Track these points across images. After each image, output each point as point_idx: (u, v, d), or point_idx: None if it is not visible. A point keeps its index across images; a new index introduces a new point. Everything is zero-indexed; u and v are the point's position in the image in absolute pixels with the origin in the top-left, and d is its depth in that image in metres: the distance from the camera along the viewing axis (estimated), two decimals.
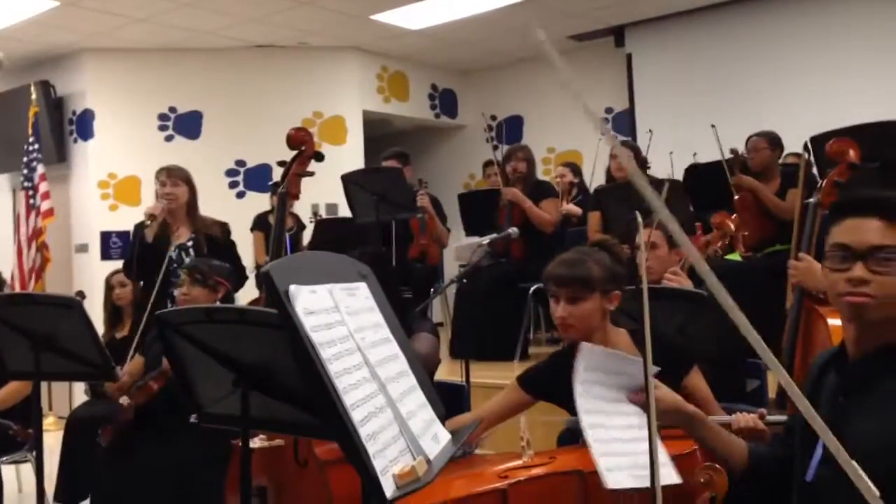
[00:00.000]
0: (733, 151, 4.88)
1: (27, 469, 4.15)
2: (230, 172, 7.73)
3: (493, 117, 8.91)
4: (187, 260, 4.04)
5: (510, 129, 8.81)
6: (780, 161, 5.05)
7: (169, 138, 7.64)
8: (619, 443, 1.57)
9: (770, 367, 0.86)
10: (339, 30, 7.36)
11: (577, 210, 5.95)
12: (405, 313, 2.87)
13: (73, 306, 2.70)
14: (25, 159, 6.98)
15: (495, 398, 2.45)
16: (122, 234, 7.11)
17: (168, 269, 4.03)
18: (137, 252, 4.09)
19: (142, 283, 4.26)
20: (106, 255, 7.25)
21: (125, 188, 7.41)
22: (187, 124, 7.68)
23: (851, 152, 2.90)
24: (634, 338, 2.33)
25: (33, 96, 7.12)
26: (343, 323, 1.37)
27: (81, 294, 4.25)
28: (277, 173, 3.53)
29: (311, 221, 5.81)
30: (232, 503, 2.66)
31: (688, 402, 1.79)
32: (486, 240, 4.35)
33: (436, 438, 1.42)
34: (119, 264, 4.56)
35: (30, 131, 6.98)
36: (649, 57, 7.74)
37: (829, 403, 1.53)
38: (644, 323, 1.51)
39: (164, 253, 4.06)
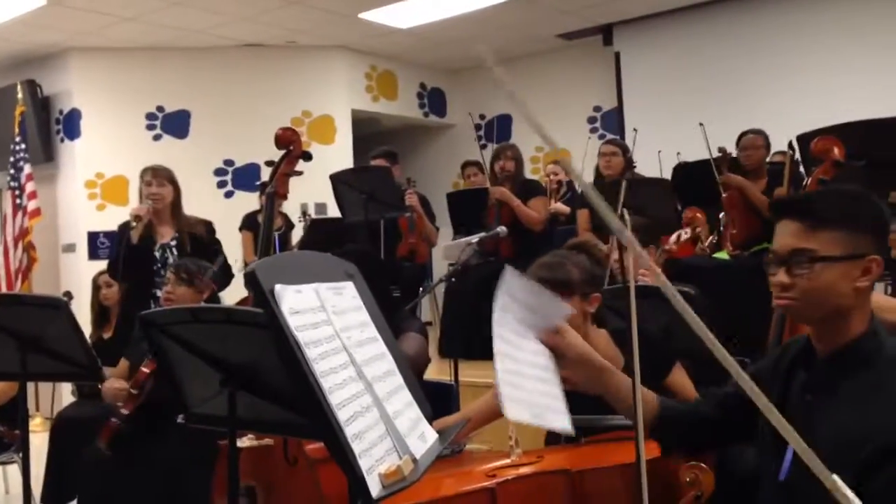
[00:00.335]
0: (721, 150, 4.90)
1: (14, 470, 4.12)
2: (218, 172, 7.71)
3: (482, 116, 8.92)
4: (170, 259, 4.02)
5: (499, 128, 8.81)
6: (768, 160, 5.07)
7: (157, 138, 7.62)
8: (523, 378, 1.51)
9: (728, 369, 0.86)
10: (328, 29, 7.34)
11: (565, 209, 5.96)
12: (394, 312, 2.87)
13: (59, 307, 2.68)
14: (12, 159, 6.95)
15: (482, 399, 2.46)
16: (110, 234, 7.06)
17: (152, 269, 4.01)
18: (123, 253, 4.07)
19: (127, 283, 4.23)
20: (93, 255, 7.21)
21: (113, 188, 7.38)
22: (175, 124, 7.65)
23: (836, 150, 2.92)
24: (614, 338, 2.34)
25: (20, 95, 7.08)
26: (329, 322, 1.36)
27: (69, 294, 4.24)
28: (266, 173, 3.53)
29: (299, 221, 5.80)
30: (220, 503, 2.66)
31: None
32: (474, 239, 4.35)
33: (422, 437, 1.42)
34: (107, 264, 4.54)
35: (16, 131, 6.95)
36: (638, 55, 7.75)
37: (797, 401, 1.53)
38: (631, 321, 1.51)
39: (149, 253, 4.04)
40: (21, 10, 6.36)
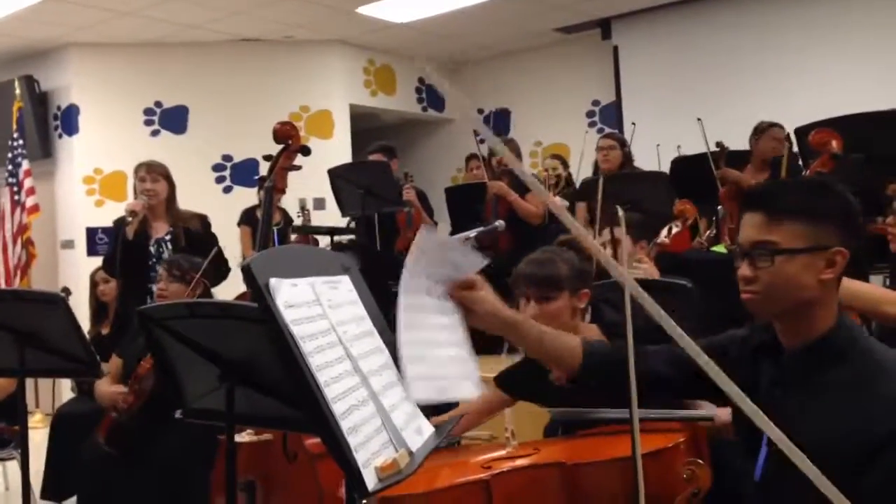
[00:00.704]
0: (718, 144, 4.90)
1: (13, 466, 4.13)
2: (217, 167, 7.71)
3: (480, 110, 8.91)
4: (165, 254, 4.03)
5: (497, 123, 8.80)
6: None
7: (155, 133, 7.61)
8: (428, 346, 1.45)
9: (706, 369, 0.86)
10: (325, 23, 7.33)
11: (564, 203, 5.95)
12: (391, 306, 2.87)
13: (57, 302, 2.69)
14: (10, 155, 6.94)
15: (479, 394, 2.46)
16: (108, 230, 7.04)
17: (147, 265, 4.02)
18: (119, 249, 4.09)
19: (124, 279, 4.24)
20: (92, 251, 7.20)
21: (111, 183, 7.37)
22: (173, 119, 7.64)
23: (834, 143, 2.92)
24: (607, 331, 2.34)
25: (17, 91, 7.07)
26: (325, 316, 1.37)
27: (67, 290, 4.24)
28: (264, 168, 3.53)
29: (298, 216, 5.80)
30: (219, 499, 2.66)
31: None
32: (472, 233, 4.35)
33: (419, 431, 1.42)
34: (102, 260, 4.54)
35: (14, 127, 6.94)
36: (636, 49, 7.74)
37: (766, 397, 1.49)
38: (627, 317, 1.51)
39: (144, 248, 4.05)
40: (18, 5, 6.35)
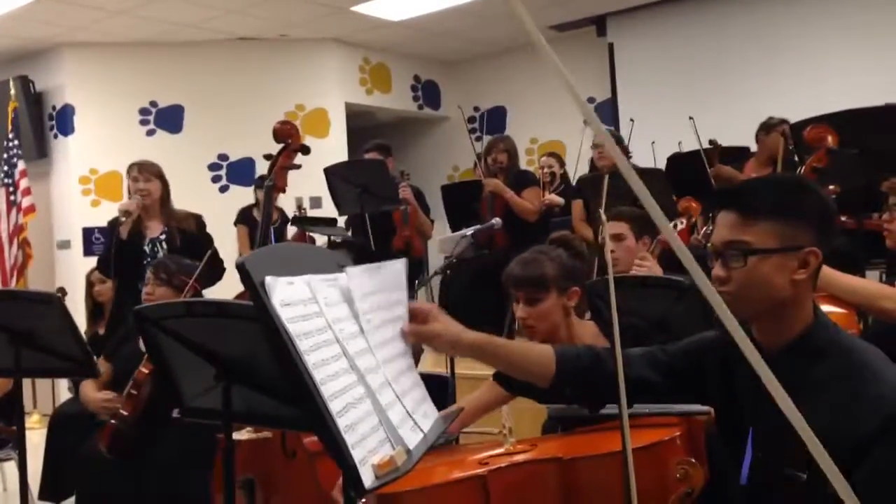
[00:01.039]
0: (712, 142, 4.91)
1: (11, 467, 4.13)
2: (213, 166, 7.70)
3: (476, 108, 8.91)
4: (160, 253, 4.03)
5: (493, 120, 8.80)
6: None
7: (150, 133, 7.60)
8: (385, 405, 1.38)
9: (746, 355, 0.85)
10: (320, 22, 7.32)
11: (559, 200, 5.96)
12: None
13: (53, 302, 2.69)
14: (5, 156, 6.93)
15: (475, 393, 2.47)
16: (105, 230, 7.05)
17: (142, 265, 4.02)
18: (113, 249, 4.09)
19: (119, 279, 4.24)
20: (88, 251, 7.19)
21: (107, 183, 7.36)
22: (169, 118, 7.63)
23: (829, 138, 2.93)
24: (601, 329, 2.34)
25: (12, 92, 7.06)
26: (321, 314, 1.36)
27: (63, 290, 4.24)
28: (261, 167, 3.54)
29: (294, 215, 5.79)
30: (219, 498, 2.66)
31: None
32: (469, 231, 4.35)
33: (414, 429, 1.42)
34: (97, 261, 4.54)
35: (9, 127, 6.93)
36: (631, 46, 7.74)
37: (749, 398, 1.48)
38: (613, 315, 1.51)
39: (138, 248, 4.05)
40: (12, 5, 6.33)
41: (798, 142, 4.03)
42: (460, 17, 7.42)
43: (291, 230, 5.61)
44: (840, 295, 2.33)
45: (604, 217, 1.57)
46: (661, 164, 5.69)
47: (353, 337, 1.42)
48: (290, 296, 1.29)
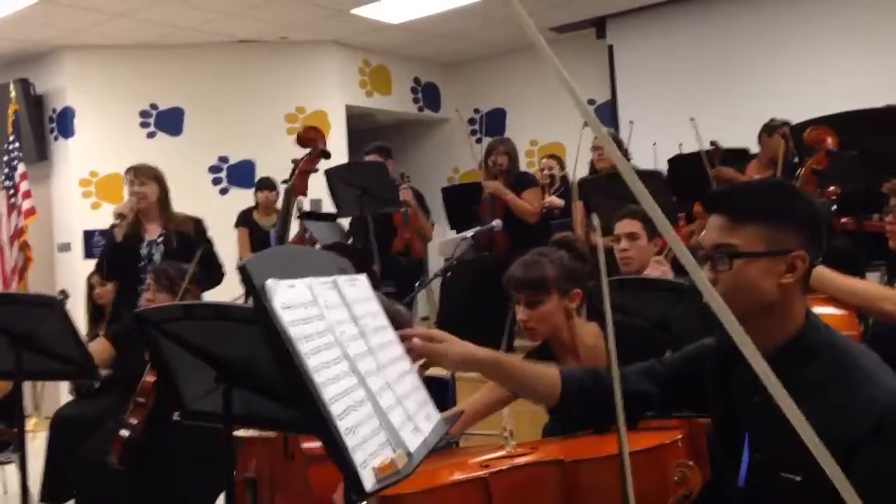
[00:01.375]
0: (713, 143, 4.91)
1: (12, 470, 4.13)
2: (213, 169, 7.70)
3: (476, 110, 8.91)
4: (156, 256, 4.03)
5: (493, 123, 8.80)
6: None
7: (151, 135, 7.60)
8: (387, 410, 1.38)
9: (746, 354, 0.85)
10: (320, 24, 7.33)
11: (559, 202, 5.96)
12: None
13: (53, 305, 2.69)
14: (6, 158, 6.94)
15: (476, 395, 2.46)
16: (105, 233, 7.07)
17: (138, 267, 4.03)
18: (108, 252, 4.10)
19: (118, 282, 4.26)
20: (89, 253, 7.19)
21: (107, 186, 7.36)
22: (169, 121, 7.64)
23: (829, 140, 2.93)
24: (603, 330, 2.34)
25: (12, 94, 7.07)
26: (322, 317, 1.36)
27: (65, 293, 4.25)
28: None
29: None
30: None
31: None
32: (469, 233, 4.36)
33: (415, 432, 1.42)
34: (95, 264, 4.55)
35: (9, 130, 6.93)
36: (631, 48, 7.75)
37: (744, 403, 1.48)
38: (607, 318, 1.51)
39: (135, 251, 4.05)
40: (13, 7, 6.34)
41: (798, 143, 4.03)
42: (460, 19, 7.43)
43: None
44: (840, 296, 2.33)
45: (596, 221, 1.57)
46: (662, 166, 5.69)
47: (353, 339, 1.43)
48: (291, 299, 1.30)
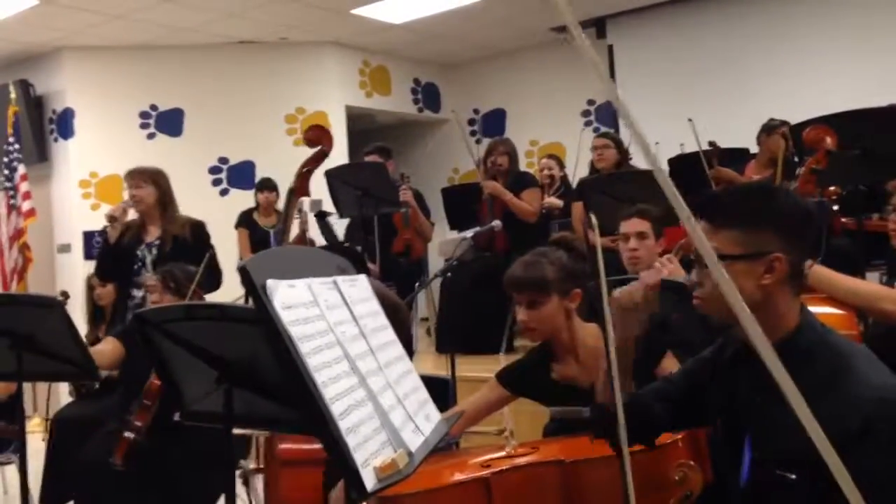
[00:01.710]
0: (711, 144, 4.91)
1: (12, 471, 4.13)
2: (213, 170, 7.70)
3: (476, 111, 8.91)
4: (149, 259, 4.03)
5: (493, 123, 8.81)
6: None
7: (151, 136, 7.60)
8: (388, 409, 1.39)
9: (759, 350, 0.86)
10: (320, 25, 7.33)
11: (558, 202, 5.96)
12: None
13: (53, 306, 2.69)
14: (6, 159, 6.94)
15: (476, 395, 2.46)
16: (105, 234, 7.06)
17: (131, 269, 4.03)
18: (102, 253, 4.12)
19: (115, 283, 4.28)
20: (89, 254, 7.18)
21: (107, 187, 7.36)
22: (169, 122, 7.64)
23: (829, 140, 2.92)
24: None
25: (12, 95, 7.06)
26: (322, 317, 1.37)
27: (65, 294, 4.25)
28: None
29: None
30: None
31: None
32: (469, 233, 4.36)
33: (416, 432, 1.43)
34: (94, 265, 4.56)
35: (9, 131, 6.93)
36: (631, 48, 7.75)
37: (747, 404, 1.51)
38: (607, 318, 1.51)
39: (129, 253, 4.06)
40: (13, 9, 6.34)
41: (798, 143, 4.03)
42: (460, 19, 7.43)
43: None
44: (840, 296, 2.33)
45: (593, 220, 1.57)
46: (662, 166, 5.68)
47: (354, 339, 1.43)
48: (291, 299, 1.30)
